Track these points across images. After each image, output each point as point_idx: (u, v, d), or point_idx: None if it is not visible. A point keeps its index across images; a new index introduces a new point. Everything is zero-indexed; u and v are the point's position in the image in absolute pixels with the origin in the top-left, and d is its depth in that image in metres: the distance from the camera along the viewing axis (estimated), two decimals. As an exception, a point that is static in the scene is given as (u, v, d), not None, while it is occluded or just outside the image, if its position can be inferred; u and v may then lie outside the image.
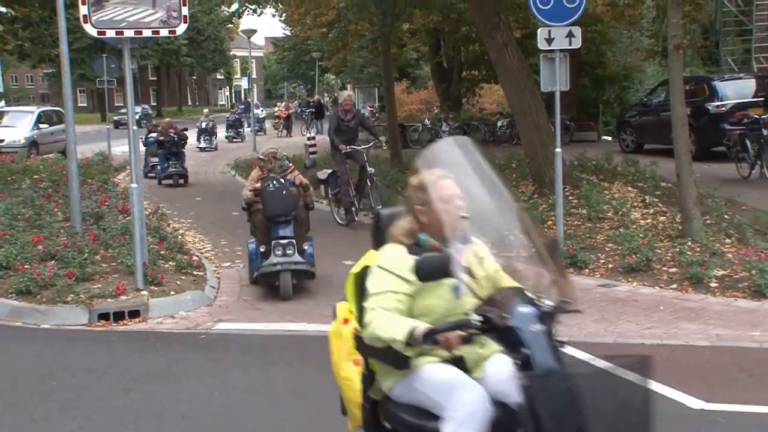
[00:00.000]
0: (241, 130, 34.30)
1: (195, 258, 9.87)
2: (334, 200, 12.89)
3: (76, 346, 6.98)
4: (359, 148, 12.40)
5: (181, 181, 18.81)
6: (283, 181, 8.70)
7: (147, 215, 11.63)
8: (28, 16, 15.45)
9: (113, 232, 10.11)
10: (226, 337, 7.14)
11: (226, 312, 7.95)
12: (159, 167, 19.20)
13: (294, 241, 8.37)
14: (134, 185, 8.43)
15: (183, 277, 8.81)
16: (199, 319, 7.68)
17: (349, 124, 12.52)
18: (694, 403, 5.16)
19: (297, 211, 8.60)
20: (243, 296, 8.58)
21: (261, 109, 41.56)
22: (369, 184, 12.28)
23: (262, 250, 8.56)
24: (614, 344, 6.51)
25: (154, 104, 72.60)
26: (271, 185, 8.51)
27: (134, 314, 7.73)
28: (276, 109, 42.24)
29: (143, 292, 8.08)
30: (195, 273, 9.11)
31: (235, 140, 33.01)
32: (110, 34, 7.96)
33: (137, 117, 40.96)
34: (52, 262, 8.64)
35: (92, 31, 7.88)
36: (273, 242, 8.29)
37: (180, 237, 11.17)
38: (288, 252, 8.28)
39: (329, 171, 12.88)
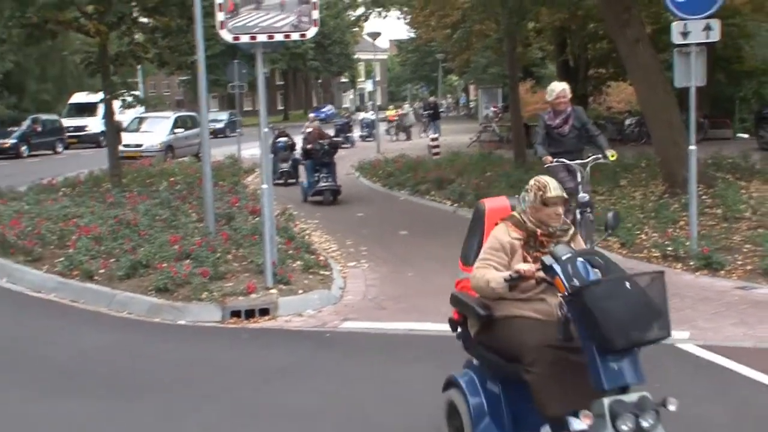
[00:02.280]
0: (350, 134, 33.86)
1: (321, 258, 10.06)
2: None
3: (211, 342, 7.25)
4: (572, 163, 8.89)
5: (332, 198, 16.05)
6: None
7: (275, 216, 11.97)
8: (167, 25, 16.03)
9: (244, 232, 10.43)
10: (352, 336, 7.24)
11: (353, 311, 8.07)
12: (306, 182, 16.73)
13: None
14: (264, 186, 8.67)
15: (310, 277, 8.99)
16: (326, 318, 7.83)
17: (562, 130, 9.16)
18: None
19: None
20: (368, 296, 8.68)
21: (371, 112, 40.21)
22: (579, 216, 8.65)
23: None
24: (754, 349, 6.20)
25: (282, 108, 74.57)
26: None
27: (264, 312, 7.94)
28: (387, 112, 41.67)
29: (272, 291, 8.30)
30: (322, 272, 9.28)
31: (344, 146, 32.17)
32: (244, 39, 8.23)
33: (224, 123, 42.13)
34: (188, 260, 8.99)
35: (228, 37, 8.16)
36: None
37: (307, 237, 11.42)
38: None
39: None
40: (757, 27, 27.36)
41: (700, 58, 8.97)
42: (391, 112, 43.51)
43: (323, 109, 58.40)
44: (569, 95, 9.17)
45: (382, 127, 39.53)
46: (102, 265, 9.15)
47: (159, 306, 8.11)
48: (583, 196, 8.68)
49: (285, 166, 19.90)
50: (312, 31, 8.35)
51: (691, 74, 8.95)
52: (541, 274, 3.75)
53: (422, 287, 8.91)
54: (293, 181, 19.49)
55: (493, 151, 22.33)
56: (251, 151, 27.04)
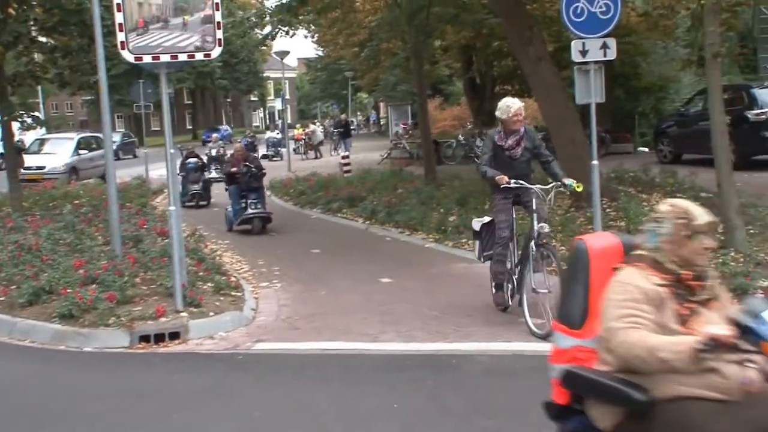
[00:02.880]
0: (255, 154, 33.30)
1: (233, 279, 9.93)
2: (491, 268, 8.19)
3: (119, 369, 7.05)
4: (533, 187, 7.75)
5: (262, 226, 14.44)
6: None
7: (184, 237, 11.75)
8: (67, 45, 15.63)
9: (152, 255, 10.20)
10: (265, 357, 7.15)
11: (265, 332, 7.97)
12: (231, 209, 15.01)
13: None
14: (172, 208, 8.50)
15: (221, 298, 8.85)
16: (238, 340, 7.71)
17: (514, 152, 7.90)
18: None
19: None
20: (281, 316, 8.60)
21: (277, 131, 39.30)
22: (534, 250, 7.51)
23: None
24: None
25: (190, 127, 73.53)
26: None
27: (174, 336, 7.75)
28: (295, 131, 40.81)
29: (183, 314, 8.13)
30: (233, 294, 9.15)
31: None
32: (147, 59, 8.07)
33: (116, 145, 41.18)
34: (94, 285, 8.72)
35: (129, 57, 7.99)
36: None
37: (218, 258, 11.26)
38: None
39: (487, 219, 8.36)
40: (652, 45, 28.50)
41: (599, 76, 9.29)
42: (298, 131, 43.03)
43: (220, 129, 56.71)
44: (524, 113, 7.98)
45: (291, 145, 39.30)
46: (2, 292, 8.81)
47: (63, 333, 7.82)
48: (542, 225, 7.54)
49: (196, 188, 19.39)
50: (216, 51, 8.26)
51: (591, 91, 9.26)
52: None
53: (335, 305, 8.89)
54: (204, 203, 19.28)
55: (403, 168, 22.52)
56: (159, 171, 26.38)
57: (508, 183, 7.56)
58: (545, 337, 6.70)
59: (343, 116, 41.33)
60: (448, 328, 7.73)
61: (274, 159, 34.85)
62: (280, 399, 5.93)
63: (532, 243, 7.47)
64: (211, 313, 8.28)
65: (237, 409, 5.75)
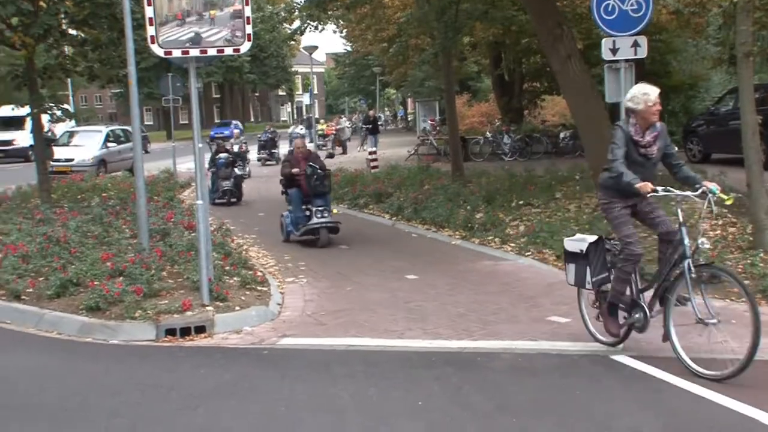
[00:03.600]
0: (275, 151, 31.70)
1: (259, 273, 9.95)
2: (595, 300, 6.89)
3: (144, 362, 7.08)
4: (676, 194, 6.47)
5: (328, 237, 12.72)
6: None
7: (211, 231, 11.80)
8: (97, 38, 15.75)
9: (179, 249, 10.27)
10: (290, 353, 7.16)
11: (290, 327, 7.99)
12: (289, 216, 13.35)
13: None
14: (200, 202, 8.53)
15: (247, 293, 8.88)
16: (263, 335, 7.73)
17: (650, 151, 6.59)
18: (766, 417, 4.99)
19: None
20: (307, 311, 8.61)
21: (301, 127, 36.88)
22: (691, 270, 6.12)
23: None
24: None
25: (218, 120, 73.96)
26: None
27: (200, 330, 7.79)
28: (320, 127, 38.45)
29: (209, 308, 8.17)
30: (259, 288, 9.18)
31: (268, 162, 30.69)
32: (176, 53, 8.10)
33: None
34: (121, 278, 8.80)
35: (159, 51, 8.03)
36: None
37: (244, 253, 11.29)
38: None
39: (591, 238, 6.85)
40: (683, 43, 28.20)
41: (629, 74, 9.21)
42: (324, 126, 41.65)
43: (230, 126, 53.68)
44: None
45: (318, 141, 38.85)
46: (30, 283, 8.87)
47: (90, 325, 7.88)
48: (702, 241, 6.21)
49: (227, 184, 18.85)
50: (246, 46, 8.28)
51: (621, 89, 9.17)
52: None
53: (360, 302, 8.90)
54: (235, 200, 18.95)
55: (430, 164, 22.49)
56: (188, 165, 26.69)
57: (655, 191, 6.27)
58: (727, 379, 5.75)
59: (371, 112, 41.18)
60: (474, 325, 7.70)
61: (268, 163, 32.76)
62: (304, 394, 5.93)
63: (687, 263, 6.11)
64: (237, 308, 8.31)
65: (262, 403, 5.76)
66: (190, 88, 8.48)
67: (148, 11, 7.89)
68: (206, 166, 22.69)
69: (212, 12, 8.17)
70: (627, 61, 9.17)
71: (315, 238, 12.48)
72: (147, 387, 6.27)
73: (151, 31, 7.91)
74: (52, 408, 5.83)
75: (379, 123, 40.04)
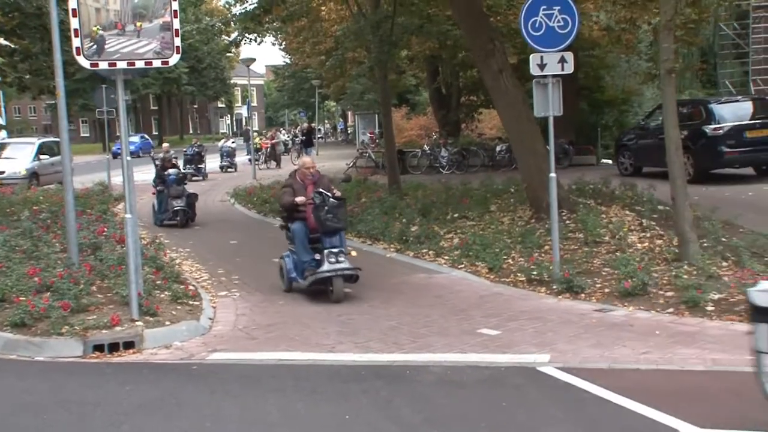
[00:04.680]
0: (202, 166, 29.86)
1: (191, 287, 9.85)
2: None
3: (70, 379, 6.94)
4: None
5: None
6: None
7: (144, 245, 11.63)
8: (26, 48, 15.47)
9: (110, 263, 10.10)
10: (219, 368, 7.10)
11: (221, 342, 7.91)
12: (289, 259, 10.50)
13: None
14: (128, 216, 8.41)
15: (179, 307, 8.78)
16: (193, 350, 7.64)
17: None
18: (688, 428, 5.12)
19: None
20: (238, 325, 8.54)
21: (232, 140, 36.17)
22: None
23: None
24: (609, 370, 6.46)
25: (156, 133, 72.97)
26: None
27: (129, 345, 7.67)
28: (257, 139, 36.39)
29: (138, 323, 8.05)
30: (191, 303, 9.08)
31: (195, 178, 27.93)
32: (103, 65, 8.00)
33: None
34: (48, 293, 8.60)
35: (85, 63, 7.91)
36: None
37: (177, 266, 11.15)
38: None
39: None
40: (616, 58, 28.90)
41: (557, 89, 9.39)
42: (260, 139, 39.31)
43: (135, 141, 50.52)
44: None
45: (243, 156, 37.29)
46: (-48, 300, 8.63)
47: (15, 342, 7.70)
48: None
49: (179, 204, 16.69)
50: (174, 58, 8.21)
51: (549, 104, 9.35)
52: None
53: (292, 315, 8.89)
54: (187, 221, 16.86)
55: (368, 177, 22.54)
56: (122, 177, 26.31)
57: None
58: None
59: (305, 125, 40.97)
60: (405, 338, 7.74)
61: (229, 170, 33.14)
62: (232, 410, 5.88)
63: None
64: (168, 323, 8.21)
65: (188, 419, 5.69)
66: (118, 101, 8.37)
67: (74, 22, 7.77)
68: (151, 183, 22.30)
69: (139, 24, 8.09)
70: (554, 76, 9.35)
71: (327, 289, 9.50)
72: (72, 404, 6.15)
73: (76, 42, 7.79)
74: (-31, 429, 5.68)
75: (313, 136, 39.80)
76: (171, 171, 17.12)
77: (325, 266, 9.34)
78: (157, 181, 17.26)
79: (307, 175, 10.12)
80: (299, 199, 9.81)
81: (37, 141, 27.72)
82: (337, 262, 9.37)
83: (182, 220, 16.53)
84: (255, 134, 34.75)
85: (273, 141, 36.07)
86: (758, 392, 4.98)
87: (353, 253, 9.95)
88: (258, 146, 34.37)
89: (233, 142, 34.71)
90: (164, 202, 16.89)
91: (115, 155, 29.67)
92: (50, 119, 74.46)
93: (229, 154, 33.73)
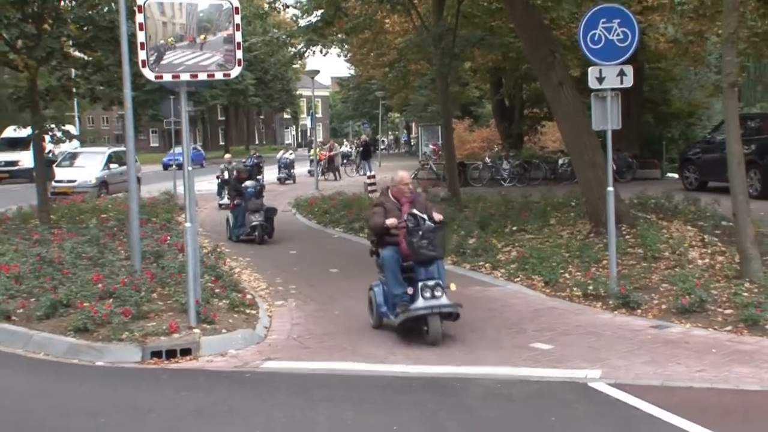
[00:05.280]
0: (260, 177, 28.83)
1: (249, 296, 10.01)
2: None
3: (128, 384, 7.13)
4: None
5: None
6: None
7: (205, 254, 11.88)
8: (99, 61, 15.96)
9: (171, 271, 10.34)
10: (272, 376, 7.21)
11: (275, 350, 8.04)
12: (377, 289, 10.18)
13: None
14: (188, 224, 8.62)
15: (235, 315, 8.94)
16: (248, 358, 7.78)
17: None
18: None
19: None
20: (293, 334, 8.66)
21: (290, 152, 35.18)
22: None
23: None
24: (661, 387, 6.36)
25: (223, 143, 74.31)
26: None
27: (186, 352, 7.85)
28: (313, 151, 35.39)
29: (195, 330, 8.23)
30: (248, 311, 9.23)
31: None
32: (167, 77, 8.23)
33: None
34: (110, 300, 8.86)
35: (150, 75, 8.15)
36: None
37: (236, 275, 11.35)
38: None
39: None
40: (683, 71, 28.39)
41: (615, 102, 9.30)
42: (319, 151, 38.15)
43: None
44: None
45: (304, 167, 36.48)
46: (20, 304, 8.96)
47: (77, 347, 7.94)
48: None
49: (258, 219, 15.62)
50: (236, 71, 8.42)
51: (607, 117, 9.27)
52: None
53: (347, 326, 8.95)
54: (267, 237, 15.90)
55: (428, 189, 22.58)
56: (195, 186, 26.84)
57: None
58: None
59: (363, 137, 41.02)
60: (458, 351, 7.74)
61: (287, 182, 32.54)
62: (281, 418, 5.98)
63: None
64: (224, 330, 8.37)
65: (238, 427, 5.80)
66: (181, 112, 8.60)
67: (140, 36, 8.02)
68: (224, 197, 21.99)
69: (203, 36, 8.30)
70: (613, 89, 9.27)
71: (421, 329, 8.02)
72: (128, 409, 6.33)
73: (142, 55, 8.03)
74: (32, 428, 5.89)
75: (371, 148, 39.62)
76: (248, 183, 16.21)
77: (420, 302, 7.90)
78: (233, 194, 16.55)
79: (404, 193, 8.65)
80: (390, 221, 8.30)
81: (107, 150, 28.59)
82: (433, 297, 7.88)
83: (260, 236, 15.62)
84: (314, 145, 34.53)
85: (331, 153, 35.59)
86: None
87: (453, 287, 8.26)
88: (315, 157, 34.32)
89: (291, 154, 34.26)
90: (240, 217, 15.97)
91: (166, 166, 29.68)
92: (121, 129, 76.46)
93: (287, 166, 33.19)
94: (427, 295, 7.87)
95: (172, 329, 8.12)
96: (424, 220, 8.17)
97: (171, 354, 7.81)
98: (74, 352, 7.88)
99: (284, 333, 8.74)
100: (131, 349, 7.83)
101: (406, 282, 8.19)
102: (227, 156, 26.45)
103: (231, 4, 8.38)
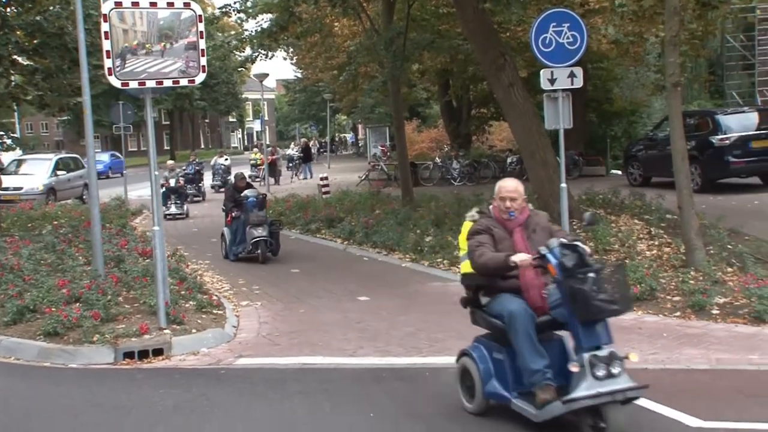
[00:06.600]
0: (201, 184, 27.38)
1: (214, 297, 10.19)
2: None
3: (104, 384, 7.27)
4: None
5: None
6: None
7: (166, 257, 11.97)
8: (47, 67, 15.85)
9: (134, 274, 10.45)
10: (246, 372, 7.43)
11: (246, 348, 8.25)
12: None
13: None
14: (156, 228, 8.77)
15: (203, 316, 9.11)
16: (220, 356, 7.98)
17: None
18: (692, 421, 5.44)
19: None
20: (262, 332, 8.87)
21: (225, 158, 32.22)
22: None
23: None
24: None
25: (168, 148, 73.53)
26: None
27: (158, 352, 8.00)
28: (254, 155, 34.10)
29: (166, 331, 8.38)
30: (215, 312, 9.41)
31: (196, 199, 25.88)
32: (133, 84, 8.37)
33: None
34: (77, 304, 8.93)
35: (116, 83, 8.28)
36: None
37: (199, 278, 11.50)
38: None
39: None
40: (624, 71, 29.18)
41: (567, 102, 9.74)
42: (257, 155, 35.59)
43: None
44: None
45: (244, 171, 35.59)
46: (-15, 311, 9.00)
47: (48, 350, 8.03)
48: None
49: (261, 233, 13.59)
50: (200, 77, 8.60)
51: (559, 117, 9.69)
52: None
53: (314, 323, 9.20)
54: (271, 254, 13.88)
55: (381, 190, 22.91)
56: (138, 192, 26.73)
57: None
58: None
59: (303, 140, 40.87)
60: (423, 343, 8.06)
61: (222, 190, 27.10)
62: (261, 411, 6.21)
63: None
64: (194, 330, 8.54)
65: (219, 422, 6.01)
66: (147, 118, 8.73)
67: (106, 44, 8.15)
68: (171, 206, 21.19)
69: (164, 44, 8.46)
70: (564, 90, 9.69)
71: (582, 423, 5.20)
72: (107, 407, 6.49)
73: (108, 63, 8.16)
74: (17, 427, 6.02)
75: (323, 150, 39.40)
76: (248, 192, 14.11)
77: (588, 384, 5.03)
78: (231, 206, 14.44)
79: (511, 209, 5.74)
80: (521, 259, 5.39)
81: (54, 157, 28.21)
82: (610, 376, 5.06)
83: (263, 254, 13.56)
84: (255, 150, 33.00)
85: (273, 157, 33.30)
86: (759, 387, 5.30)
87: (634, 358, 5.23)
88: (257, 162, 32.13)
89: (227, 159, 31.92)
90: (240, 232, 13.94)
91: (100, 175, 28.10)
92: (62, 135, 75.21)
93: (222, 172, 30.19)
94: (601, 373, 5.04)
95: (143, 330, 8.27)
96: (586, 253, 5.38)
97: (143, 354, 7.96)
98: (46, 356, 7.96)
99: (253, 331, 8.95)
100: (103, 350, 7.95)
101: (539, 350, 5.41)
102: (170, 162, 25.45)
103: (193, 11, 8.57)
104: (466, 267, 5.84)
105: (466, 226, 5.89)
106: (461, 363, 6.00)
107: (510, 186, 5.79)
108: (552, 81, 9.64)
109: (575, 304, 5.09)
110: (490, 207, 5.90)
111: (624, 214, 13.75)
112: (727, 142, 17.12)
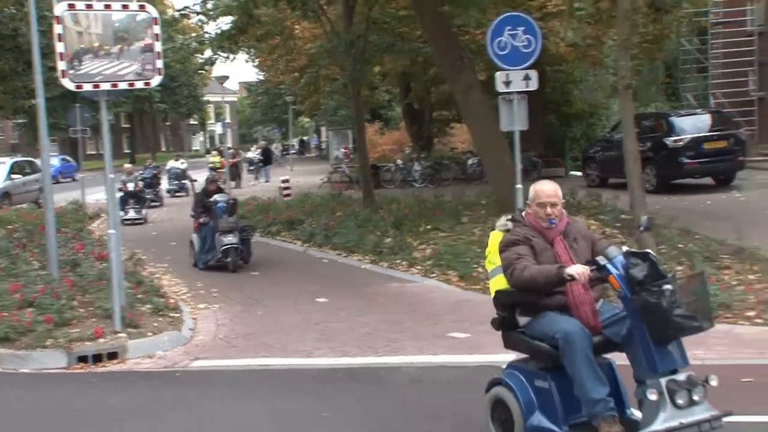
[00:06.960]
0: (159, 189, 27.03)
1: (171, 300, 10.14)
2: None
3: (58, 389, 7.21)
4: None
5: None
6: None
7: (123, 260, 11.87)
8: (1, 69, 15.67)
9: (90, 278, 10.34)
10: (202, 374, 7.43)
11: (203, 350, 8.24)
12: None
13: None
14: (112, 231, 8.71)
15: (160, 319, 9.07)
16: (176, 358, 7.95)
17: None
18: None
19: None
20: (219, 335, 8.86)
21: (181, 161, 31.59)
22: None
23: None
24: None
25: (128, 151, 72.79)
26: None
27: (113, 356, 7.94)
28: (213, 158, 33.48)
29: (121, 335, 8.32)
30: (172, 315, 9.37)
31: (153, 204, 25.25)
32: (87, 87, 8.31)
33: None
34: (31, 308, 8.82)
35: (70, 86, 8.22)
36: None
37: (156, 281, 11.43)
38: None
39: None
40: (583, 73, 29.57)
41: (522, 105, 9.88)
42: (216, 159, 34.87)
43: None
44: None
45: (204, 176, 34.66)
46: (-67, 317, 8.84)
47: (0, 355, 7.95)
48: None
49: (231, 240, 12.89)
50: (156, 80, 8.56)
51: (514, 119, 9.82)
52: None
53: (272, 325, 9.21)
54: (242, 262, 13.26)
55: (342, 192, 22.94)
56: (97, 196, 26.42)
57: None
58: None
59: (262, 142, 40.71)
60: (380, 343, 8.11)
61: (178, 194, 28.80)
62: (217, 413, 6.20)
63: None
64: (150, 334, 8.50)
65: (175, 423, 6.00)
66: (102, 121, 8.67)
67: (59, 46, 8.08)
68: (129, 211, 20.63)
69: (120, 46, 8.41)
70: (519, 93, 9.83)
71: None
72: (63, 411, 6.44)
73: (62, 65, 8.09)
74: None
75: (286, 152, 39.43)
76: (218, 197, 13.42)
77: (667, 416, 4.35)
78: (199, 211, 13.71)
79: (552, 216, 4.96)
80: (578, 271, 4.58)
81: (9, 160, 27.76)
82: (691, 403, 4.40)
83: (234, 262, 12.90)
84: (214, 153, 32.45)
85: (235, 159, 32.66)
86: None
87: (713, 380, 4.52)
88: (216, 165, 31.17)
89: (183, 163, 31.30)
90: (209, 238, 13.22)
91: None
92: (18, 138, 73.98)
93: (178, 177, 29.62)
94: (683, 401, 4.38)
95: (98, 334, 8.20)
96: (659, 262, 4.72)
97: (98, 358, 7.90)
98: (-4, 361, 7.87)
99: (210, 334, 8.94)
100: (56, 355, 7.87)
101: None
102: (128, 166, 25.06)
103: (149, 14, 8.54)
104: (498, 283, 5.02)
105: (496, 237, 5.08)
106: (493, 394, 5.13)
107: (549, 190, 4.97)
108: (507, 83, 9.78)
109: (652, 323, 4.37)
110: (523, 213, 5.13)
111: (580, 215, 13.90)
112: (680, 143, 17.45)
